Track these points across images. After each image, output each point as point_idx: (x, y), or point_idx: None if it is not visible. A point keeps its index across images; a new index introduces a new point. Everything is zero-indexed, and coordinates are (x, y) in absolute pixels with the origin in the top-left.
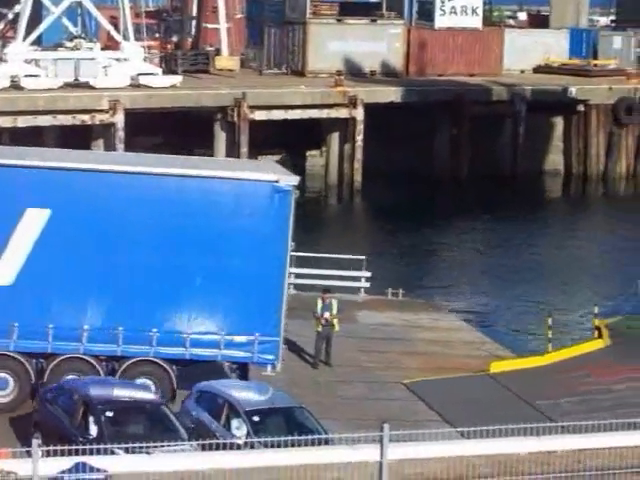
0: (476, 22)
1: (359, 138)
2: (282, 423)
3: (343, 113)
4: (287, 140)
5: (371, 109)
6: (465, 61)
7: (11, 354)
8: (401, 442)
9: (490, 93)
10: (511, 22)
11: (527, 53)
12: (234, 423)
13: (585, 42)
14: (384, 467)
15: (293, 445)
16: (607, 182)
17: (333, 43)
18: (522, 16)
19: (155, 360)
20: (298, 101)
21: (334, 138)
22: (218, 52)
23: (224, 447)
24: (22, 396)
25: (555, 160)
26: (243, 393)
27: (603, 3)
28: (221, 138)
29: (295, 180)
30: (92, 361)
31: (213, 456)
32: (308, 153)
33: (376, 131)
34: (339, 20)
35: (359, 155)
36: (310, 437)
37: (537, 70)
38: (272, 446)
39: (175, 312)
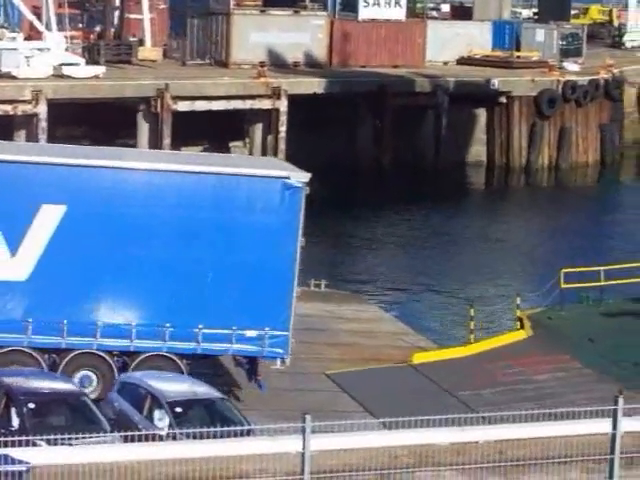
0: (399, 14)
1: (282, 129)
2: (204, 414)
3: (266, 104)
4: (210, 131)
5: (294, 100)
6: (388, 53)
7: (24, 349)
8: (323, 433)
9: (413, 85)
10: (434, 14)
11: (450, 45)
12: (156, 414)
13: (508, 34)
14: (306, 458)
15: (215, 436)
16: (529, 173)
17: (256, 34)
18: (445, 8)
19: (167, 355)
20: (221, 92)
21: (257, 129)
22: (141, 43)
23: (146, 438)
24: None
25: (478, 151)
26: (165, 384)
27: None
28: (144, 129)
29: (306, 177)
30: (105, 356)
31: (135, 447)
32: (231, 144)
33: (299, 122)
34: (262, 11)
35: (282, 146)
36: (232, 428)
37: (460, 62)
38: (194, 437)
39: (188, 307)
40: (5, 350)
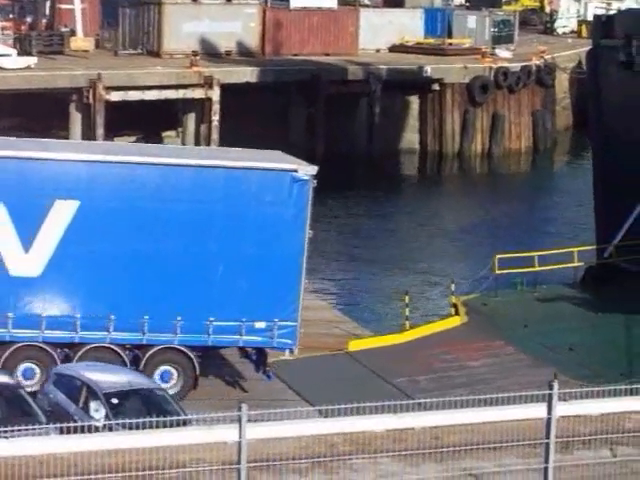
0: (331, 2)
1: (215, 118)
2: (141, 405)
3: (199, 94)
4: (143, 121)
5: (227, 89)
6: (321, 41)
7: (39, 344)
8: (260, 422)
9: (346, 73)
10: (366, 2)
11: (382, 32)
12: (92, 405)
13: (440, 21)
14: (243, 447)
15: (152, 427)
16: (462, 160)
17: (188, 23)
18: None
19: (178, 347)
20: (154, 82)
21: (190, 119)
22: (73, 33)
23: (82, 430)
24: None
25: (411, 139)
26: (101, 375)
27: None
28: (77, 120)
29: (313, 169)
30: (118, 350)
31: (71, 439)
32: (164, 134)
33: (232, 111)
34: (194, 0)
35: (215, 135)
36: (169, 418)
37: (392, 49)
38: (131, 428)
39: (199, 299)
40: (19, 345)
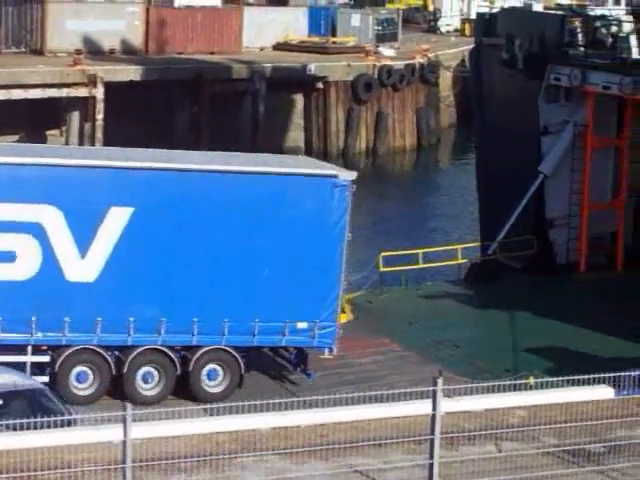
0: (215, 0)
1: (99, 117)
2: (24, 405)
3: (83, 92)
4: (27, 120)
5: (111, 88)
6: (205, 39)
7: (93, 348)
8: (146, 421)
9: (230, 71)
10: (250, 0)
11: (266, 31)
12: None
13: (324, 19)
14: (128, 447)
15: (36, 427)
16: (347, 158)
17: (72, 21)
18: None
19: (225, 348)
20: (37, 80)
21: (74, 117)
22: None
23: None
24: (102, 388)
25: (296, 137)
26: None
27: None
28: None
29: (352, 175)
30: (168, 352)
31: None
32: (48, 133)
33: (116, 110)
34: None
35: (99, 134)
36: (54, 419)
37: (276, 48)
38: (14, 429)
39: (245, 302)
40: (75, 349)
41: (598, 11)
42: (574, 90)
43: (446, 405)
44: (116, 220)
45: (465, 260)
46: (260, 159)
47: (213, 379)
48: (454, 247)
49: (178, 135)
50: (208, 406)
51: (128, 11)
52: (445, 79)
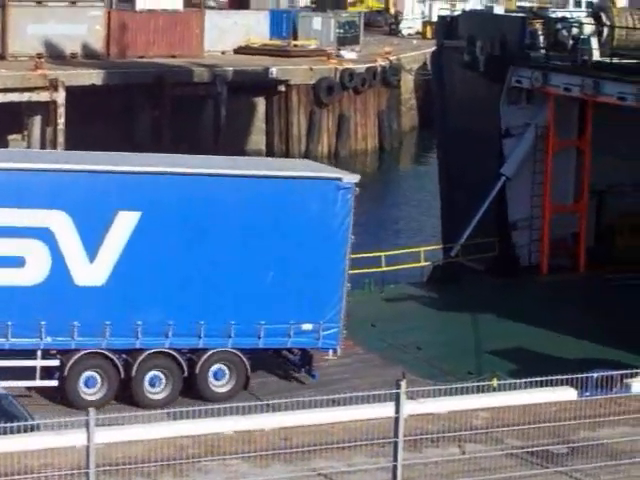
0: (176, 4)
1: (61, 121)
2: None
3: (44, 96)
4: None
5: (73, 92)
6: (166, 43)
7: (102, 351)
8: (108, 426)
9: (191, 74)
10: (212, 3)
11: (228, 34)
12: None
13: (285, 23)
14: (91, 451)
15: None
16: None
17: (33, 26)
18: None
19: (231, 350)
20: None
21: (36, 122)
22: None
23: None
24: (111, 392)
25: (257, 140)
26: None
27: None
28: None
29: (356, 178)
30: (175, 354)
31: None
32: (10, 137)
33: (78, 114)
34: (39, 2)
35: (61, 139)
36: (16, 424)
37: (238, 51)
38: None
39: (251, 304)
40: (84, 353)
41: (559, 13)
42: (535, 92)
43: (409, 408)
44: (124, 224)
45: (428, 263)
46: (262, 163)
47: (220, 379)
48: (417, 250)
49: (139, 138)
50: (171, 410)
51: (89, 15)
52: (407, 82)
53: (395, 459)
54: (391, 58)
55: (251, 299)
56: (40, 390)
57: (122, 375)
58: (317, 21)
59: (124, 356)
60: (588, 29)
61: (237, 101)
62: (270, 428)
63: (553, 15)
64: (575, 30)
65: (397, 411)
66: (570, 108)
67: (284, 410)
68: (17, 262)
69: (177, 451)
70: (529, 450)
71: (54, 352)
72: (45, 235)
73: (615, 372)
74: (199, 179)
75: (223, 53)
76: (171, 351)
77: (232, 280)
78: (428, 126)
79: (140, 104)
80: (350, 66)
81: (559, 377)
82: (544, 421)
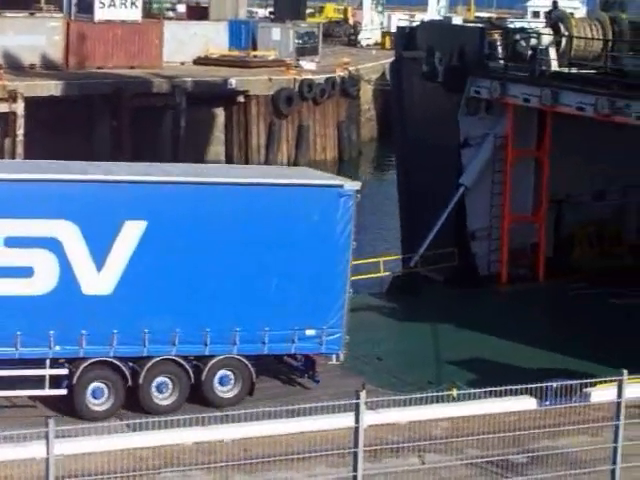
0: (135, 14)
1: (20, 133)
2: None
3: (3, 107)
4: None
5: (32, 103)
6: (125, 54)
7: (109, 360)
8: (68, 437)
9: (150, 85)
10: (171, 14)
11: (187, 45)
12: None
13: (244, 33)
14: (50, 463)
15: None
16: None
17: None
18: (182, 8)
19: (236, 357)
20: None
21: None
22: None
23: None
24: (119, 401)
25: (217, 150)
26: None
27: None
28: None
29: (357, 185)
30: (182, 362)
31: None
32: None
33: (37, 125)
34: None
35: (20, 150)
36: None
37: (197, 62)
38: None
39: (255, 311)
40: (92, 361)
41: (517, 24)
42: (494, 102)
43: (369, 418)
44: (130, 234)
45: (387, 273)
46: (259, 171)
47: (225, 385)
48: (376, 260)
49: (99, 149)
50: (131, 421)
51: (48, 26)
52: (366, 92)
53: (355, 469)
54: (350, 69)
55: (256, 306)
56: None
57: (129, 382)
58: (276, 32)
59: (131, 364)
60: (546, 39)
61: (196, 112)
62: (230, 439)
63: (511, 26)
64: (533, 40)
65: (357, 421)
66: (529, 118)
67: (244, 421)
68: (26, 272)
69: (137, 463)
70: (489, 460)
71: (62, 361)
72: (53, 245)
73: (574, 381)
74: (203, 188)
75: (182, 64)
76: (178, 358)
77: (237, 287)
78: (387, 136)
79: (99, 115)
80: (309, 77)
81: (519, 386)
82: (504, 430)
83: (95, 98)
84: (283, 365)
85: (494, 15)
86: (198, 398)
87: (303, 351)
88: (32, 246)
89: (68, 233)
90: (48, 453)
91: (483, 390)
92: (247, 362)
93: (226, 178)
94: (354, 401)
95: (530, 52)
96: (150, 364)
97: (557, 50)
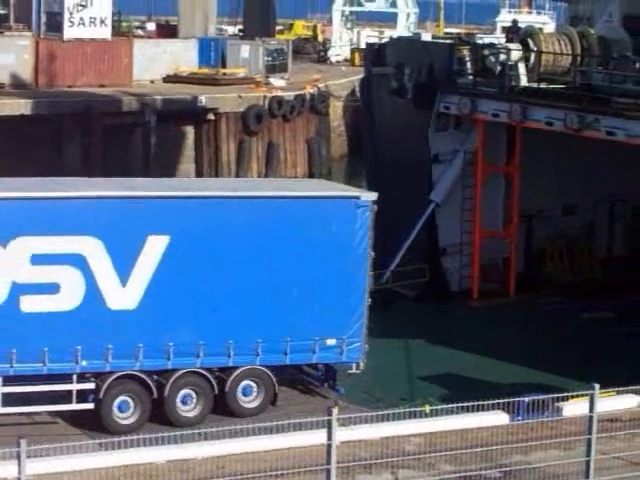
0: (105, 33)
1: None
2: None
3: None
4: None
5: (1, 122)
6: (95, 72)
7: (135, 373)
8: (40, 457)
9: (120, 104)
10: (140, 32)
11: (157, 63)
12: None
13: (214, 51)
14: None
15: None
16: None
17: None
18: (151, 26)
19: (259, 367)
20: None
21: None
22: None
23: None
24: (144, 415)
25: (187, 168)
26: None
27: (230, 13)
28: None
29: (373, 196)
30: (206, 373)
31: None
32: None
33: (6, 145)
34: None
35: None
36: None
37: (167, 80)
38: None
39: (277, 322)
40: (118, 375)
41: (486, 40)
42: (464, 118)
43: (342, 434)
44: (154, 248)
45: None
46: (276, 184)
47: (248, 395)
48: None
49: (69, 168)
50: (103, 440)
51: (17, 45)
52: (336, 109)
53: None
54: (320, 85)
55: (277, 317)
56: None
57: (155, 395)
58: (245, 49)
59: (156, 377)
60: (515, 55)
61: (166, 130)
62: (203, 457)
63: (480, 41)
64: (502, 56)
65: (329, 438)
66: (498, 134)
67: (217, 438)
68: (52, 289)
69: None
70: (462, 475)
71: (89, 375)
72: (78, 261)
73: (546, 396)
74: (225, 202)
75: (152, 82)
76: (202, 370)
77: (259, 299)
78: (358, 153)
79: (69, 133)
80: (279, 94)
81: (491, 402)
82: (477, 446)
83: (65, 117)
84: (303, 375)
85: (463, 31)
86: (222, 409)
87: (324, 360)
88: (57, 263)
89: (93, 249)
90: (20, 473)
91: (456, 405)
92: (269, 372)
93: (246, 192)
94: (326, 418)
95: (499, 67)
96: (175, 377)
97: (526, 65)
